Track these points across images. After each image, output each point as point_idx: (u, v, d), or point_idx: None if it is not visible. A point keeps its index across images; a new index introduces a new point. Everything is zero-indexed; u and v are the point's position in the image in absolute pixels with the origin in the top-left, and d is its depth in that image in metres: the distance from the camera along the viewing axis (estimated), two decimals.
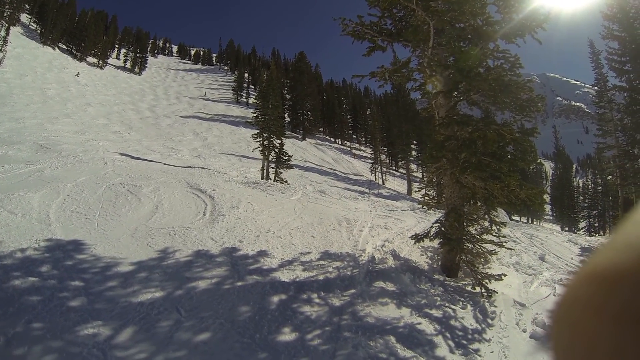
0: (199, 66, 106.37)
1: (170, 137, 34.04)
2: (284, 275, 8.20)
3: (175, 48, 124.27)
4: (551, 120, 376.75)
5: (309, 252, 9.73)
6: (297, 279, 8.13)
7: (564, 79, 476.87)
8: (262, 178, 23.50)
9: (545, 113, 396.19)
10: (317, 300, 7.38)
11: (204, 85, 76.77)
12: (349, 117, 76.38)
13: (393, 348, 6.20)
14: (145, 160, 20.66)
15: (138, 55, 77.86)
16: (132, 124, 36.95)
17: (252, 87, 77.28)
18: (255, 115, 25.70)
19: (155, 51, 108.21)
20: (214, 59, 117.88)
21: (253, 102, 35.19)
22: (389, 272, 9.15)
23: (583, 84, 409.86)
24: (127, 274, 7.26)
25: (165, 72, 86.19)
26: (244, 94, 71.34)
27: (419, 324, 7.14)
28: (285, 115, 57.99)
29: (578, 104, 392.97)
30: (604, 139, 23.41)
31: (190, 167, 19.97)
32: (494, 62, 9.65)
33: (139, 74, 74.94)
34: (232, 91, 70.29)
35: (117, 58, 80.00)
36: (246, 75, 79.84)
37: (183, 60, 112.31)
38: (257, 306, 6.82)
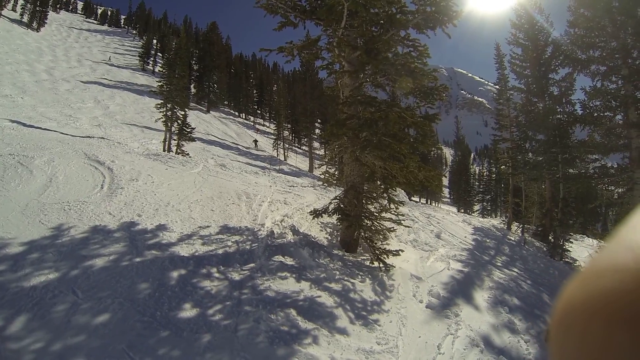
0: (105, 27, 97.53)
1: (69, 104, 31.00)
2: (184, 250, 8.00)
3: (80, 5, 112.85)
4: (454, 111, 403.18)
5: (208, 226, 9.58)
6: (197, 254, 7.98)
7: (470, 75, 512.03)
8: (164, 150, 22.61)
9: (449, 103, 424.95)
10: (217, 275, 7.32)
11: (109, 49, 70.66)
12: (255, 92, 75.41)
13: (294, 320, 6.33)
14: (40, 128, 18.91)
15: (38, 8, 69.60)
16: (26, 87, 33.04)
17: (160, 54, 72.38)
18: (160, 84, 24.45)
19: (58, 6, 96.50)
20: (122, 21, 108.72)
21: (159, 71, 33.41)
22: (287, 247, 9.29)
23: (487, 82, 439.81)
24: (17, 255, 6.59)
25: (67, 30, 77.60)
26: (151, 62, 66.88)
27: (319, 297, 7.36)
28: (192, 86, 56.28)
29: (480, 99, 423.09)
30: (500, 132, 26.09)
31: (89, 137, 18.50)
32: (403, 49, 10.04)
33: (37, 30, 66.85)
34: (138, 57, 65.20)
35: (13, 10, 71.26)
36: (155, 41, 74.96)
37: (88, 20, 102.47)
38: (157, 282, 6.61)
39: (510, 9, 23.20)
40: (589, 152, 17.66)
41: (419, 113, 9.74)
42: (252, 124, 61.52)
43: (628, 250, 0.31)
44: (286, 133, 50.92)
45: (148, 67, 65.05)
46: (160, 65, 42.02)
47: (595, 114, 16.92)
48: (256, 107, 74.95)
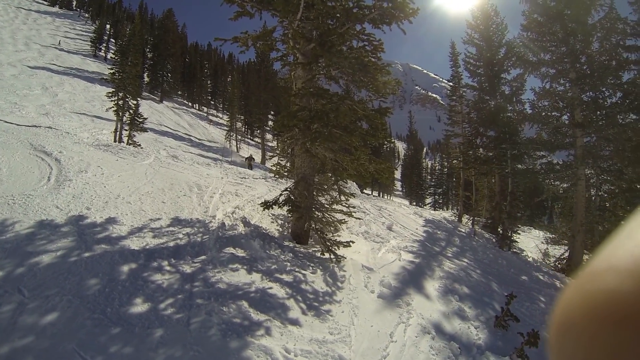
0: (55, 9, 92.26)
1: (14, 91, 29.33)
2: (134, 243, 7.78)
3: None
4: (408, 106, 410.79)
5: (159, 219, 9.39)
6: (147, 247, 7.79)
7: (425, 71, 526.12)
8: (115, 141, 22.07)
9: (403, 98, 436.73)
10: (168, 268, 7.17)
11: (59, 33, 67.21)
12: (209, 82, 74.23)
13: (246, 312, 6.29)
14: None
15: None
16: None
17: (113, 40, 69.46)
18: (112, 72, 23.72)
19: None
20: (74, 3, 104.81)
21: (112, 58, 32.31)
22: (239, 239, 9.25)
23: (441, 79, 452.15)
24: None
25: (14, 11, 72.73)
26: (103, 48, 64.34)
27: (270, 288, 7.35)
28: (145, 75, 54.60)
29: (434, 95, 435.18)
30: (452, 128, 26.82)
31: (35, 126, 17.60)
32: (357, 42, 10.12)
33: None
34: (90, 43, 62.36)
35: None
36: (108, 26, 72.32)
37: (38, 0, 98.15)
38: (107, 278, 6.37)
39: (468, 10, 24.12)
40: (537, 149, 18.69)
41: (372, 106, 9.87)
42: (206, 114, 60.74)
43: (627, 250, 0.31)
44: (239, 124, 50.66)
45: (100, 53, 62.66)
46: (112, 51, 40.45)
47: (544, 114, 17.99)
48: (210, 97, 73.84)
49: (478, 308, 8.81)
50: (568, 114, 17.44)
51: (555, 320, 0.35)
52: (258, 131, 48.56)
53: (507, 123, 20.15)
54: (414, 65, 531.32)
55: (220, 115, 67.10)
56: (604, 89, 16.65)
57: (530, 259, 17.66)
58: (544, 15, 17.31)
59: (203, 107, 68.69)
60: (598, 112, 16.67)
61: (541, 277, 13.73)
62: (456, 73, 25.80)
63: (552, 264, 17.83)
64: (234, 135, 43.68)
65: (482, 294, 9.90)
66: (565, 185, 18.62)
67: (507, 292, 8.60)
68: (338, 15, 9.89)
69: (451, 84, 26.48)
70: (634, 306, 0.28)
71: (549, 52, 17.72)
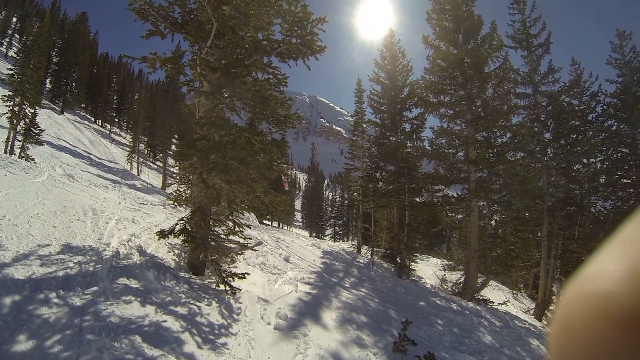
0: None
1: None
2: (19, 272, 7.03)
3: None
4: (312, 137, 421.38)
5: (48, 245, 8.65)
6: (34, 276, 7.08)
7: (331, 104, 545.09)
8: (5, 152, 20.12)
9: (307, 130, 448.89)
10: (56, 300, 6.55)
11: None
12: (115, 97, 69.81)
13: (139, 348, 5.97)
14: None
15: None
16: None
17: (18, 37, 63.77)
18: (11, 72, 21.69)
19: None
20: None
21: (13, 56, 29.88)
22: (133, 269, 8.81)
23: (346, 113, 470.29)
24: None
25: None
26: (6, 43, 58.85)
27: (165, 321, 7.05)
28: (47, 81, 49.96)
29: (338, 128, 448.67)
30: (353, 161, 27.83)
31: None
32: (263, 75, 10.31)
33: None
34: None
35: None
36: (14, 19, 66.61)
37: None
38: None
39: (377, 50, 25.39)
40: (434, 183, 20.26)
41: (270, 139, 10.06)
42: (108, 132, 57.42)
43: (622, 255, 0.32)
44: (142, 146, 48.34)
45: (1, 48, 57.45)
46: (15, 49, 37.14)
47: (441, 151, 19.51)
48: (115, 114, 69.56)
49: (376, 335, 9.11)
50: (463, 152, 19.10)
51: (555, 322, 0.36)
52: (161, 155, 46.29)
53: (406, 158, 21.48)
54: (321, 98, 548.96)
55: (123, 134, 63.62)
56: (495, 130, 18.70)
57: (428, 286, 18.61)
58: (446, 61, 18.95)
59: (106, 124, 64.39)
60: (490, 150, 18.54)
61: (439, 302, 14.45)
62: (360, 109, 26.89)
63: (449, 289, 18.93)
64: (136, 157, 41.80)
65: (380, 321, 10.23)
66: (460, 216, 20.14)
67: (405, 318, 8.96)
68: (247, 46, 10.01)
69: (355, 118, 27.56)
70: (632, 307, 0.29)
71: (448, 94, 19.39)
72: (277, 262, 13.60)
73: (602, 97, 20.94)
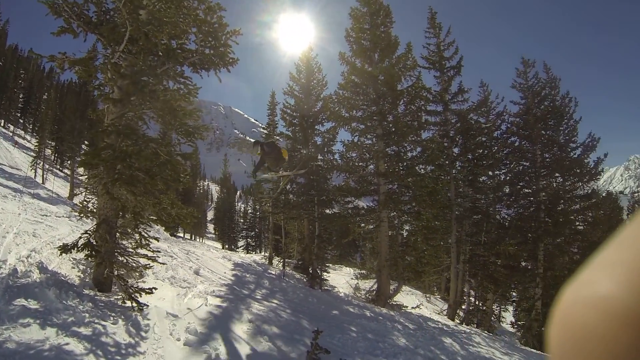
0: None
1: None
2: None
3: None
4: (225, 148, 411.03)
5: None
6: None
7: (246, 115, 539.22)
8: None
9: (221, 141, 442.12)
10: None
11: None
12: (21, 96, 62.36)
13: None
14: None
15: None
16: None
17: None
18: None
19: None
20: None
21: None
22: (32, 288, 8.03)
23: (260, 124, 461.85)
24: None
25: None
26: None
27: (67, 344, 6.52)
28: None
29: (252, 139, 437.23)
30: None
31: None
32: (174, 84, 10.10)
33: None
34: None
35: None
36: None
37: None
38: None
39: (294, 63, 25.61)
40: (344, 195, 20.88)
41: (180, 150, 9.89)
42: (11, 134, 52.28)
43: (620, 258, 0.33)
44: (49, 152, 44.28)
45: None
46: None
47: (352, 164, 20.31)
48: (19, 115, 62.70)
49: (289, 346, 9.19)
50: (373, 165, 19.99)
51: (555, 323, 0.36)
52: (69, 162, 42.29)
53: (316, 171, 21.94)
54: (236, 109, 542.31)
55: (28, 137, 58.29)
56: (406, 144, 19.78)
57: (341, 294, 19.14)
58: (361, 77, 19.72)
59: (9, 125, 57.15)
60: (400, 164, 19.64)
61: (352, 310, 14.84)
62: (272, 121, 27.47)
63: (363, 297, 19.51)
64: (42, 163, 38.26)
65: (292, 332, 10.30)
66: (371, 226, 20.95)
67: (318, 328, 9.12)
68: (160, 54, 9.77)
69: (267, 130, 28.16)
70: (630, 308, 0.30)
71: (360, 109, 20.15)
72: (187, 275, 13.28)
73: (507, 116, 23.32)
